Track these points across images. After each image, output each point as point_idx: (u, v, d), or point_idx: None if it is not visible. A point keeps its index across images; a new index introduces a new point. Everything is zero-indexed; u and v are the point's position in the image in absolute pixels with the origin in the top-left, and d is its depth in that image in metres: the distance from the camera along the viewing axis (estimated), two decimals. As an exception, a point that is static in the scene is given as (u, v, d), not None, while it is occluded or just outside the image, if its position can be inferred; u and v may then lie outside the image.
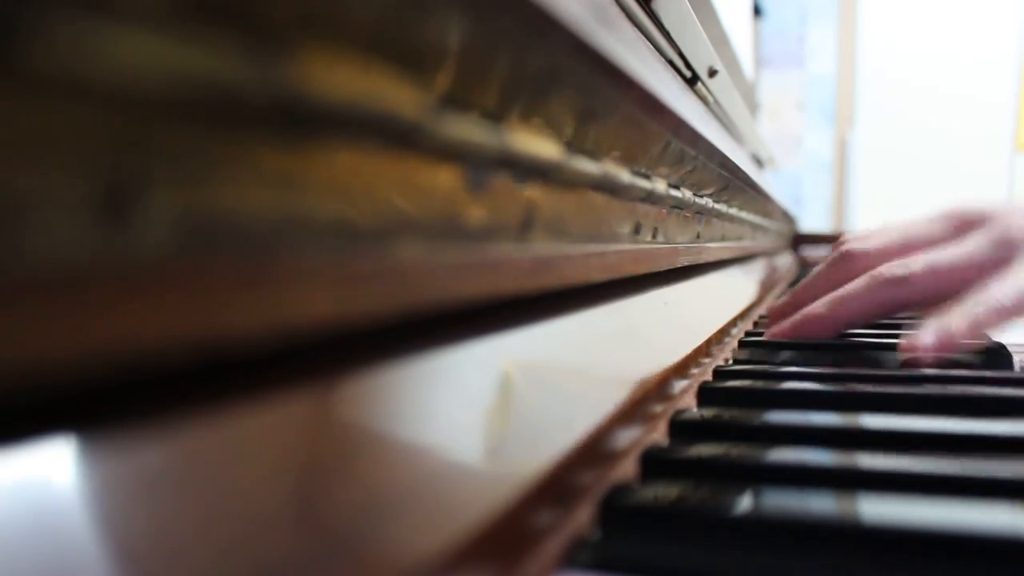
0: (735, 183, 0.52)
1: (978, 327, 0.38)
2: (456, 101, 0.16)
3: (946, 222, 0.46)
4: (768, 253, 0.94)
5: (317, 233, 0.12)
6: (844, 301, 0.44)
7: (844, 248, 0.48)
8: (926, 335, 0.38)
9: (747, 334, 0.49)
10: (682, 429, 0.26)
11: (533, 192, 0.21)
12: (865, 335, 0.46)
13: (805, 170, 2.44)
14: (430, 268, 0.16)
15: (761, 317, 0.56)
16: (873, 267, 0.45)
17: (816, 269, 0.49)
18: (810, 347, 0.42)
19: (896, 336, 0.43)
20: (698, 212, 0.44)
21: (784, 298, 0.50)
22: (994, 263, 0.41)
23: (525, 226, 0.20)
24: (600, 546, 0.18)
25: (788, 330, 0.45)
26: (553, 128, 0.21)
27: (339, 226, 0.13)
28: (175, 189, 0.10)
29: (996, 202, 0.45)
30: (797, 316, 0.46)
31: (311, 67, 0.11)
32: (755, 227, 0.74)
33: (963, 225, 0.45)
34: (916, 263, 0.43)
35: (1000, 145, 2.27)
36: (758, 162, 1.12)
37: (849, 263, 0.47)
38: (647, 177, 0.31)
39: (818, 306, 0.45)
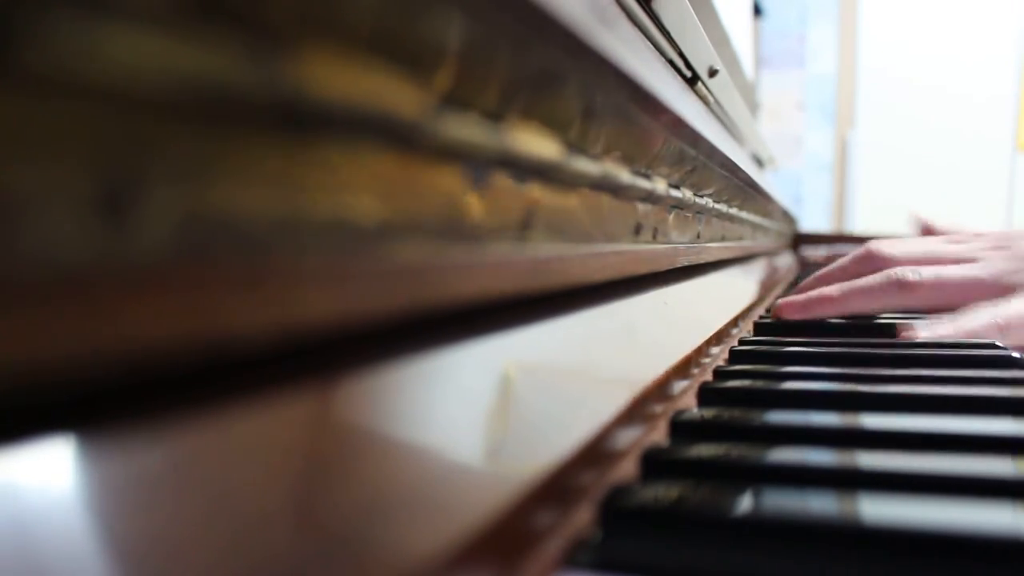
0: (735, 183, 0.52)
1: (967, 336, 0.43)
2: (456, 101, 0.16)
3: (975, 242, 0.52)
4: (768, 253, 0.94)
5: (317, 233, 0.12)
6: (856, 291, 0.49)
7: (870, 246, 0.53)
8: (920, 331, 0.43)
9: (740, 343, 0.48)
10: (682, 429, 0.26)
11: (533, 192, 0.21)
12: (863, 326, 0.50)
13: (805, 170, 2.43)
14: (430, 268, 0.16)
15: (762, 317, 0.56)
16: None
17: (840, 260, 0.55)
18: (811, 343, 0.43)
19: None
20: (698, 212, 0.44)
21: (807, 280, 0.56)
22: (1000, 287, 0.47)
23: (525, 226, 0.20)
24: (600, 547, 0.18)
25: (800, 304, 0.51)
26: (553, 128, 0.21)
27: (339, 226, 0.13)
28: (175, 189, 0.10)
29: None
30: (812, 293, 0.51)
31: (310, 66, 0.11)
32: (755, 227, 0.74)
33: (989, 247, 0.50)
34: (928, 272, 0.48)
35: (1000, 145, 2.27)
36: (758, 162, 1.12)
37: (871, 262, 0.52)
38: (647, 177, 0.31)
39: (832, 289, 0.50)
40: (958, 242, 0.52)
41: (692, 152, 0.36)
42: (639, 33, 0.34)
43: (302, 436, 0.13)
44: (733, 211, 0.57)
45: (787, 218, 1.18)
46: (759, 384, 0.32)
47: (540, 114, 0.19)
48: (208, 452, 0.11)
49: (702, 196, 0.43)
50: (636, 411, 0.24)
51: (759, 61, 2.26)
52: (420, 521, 0.13)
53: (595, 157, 0.24)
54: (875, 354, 0.38)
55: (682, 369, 0.31)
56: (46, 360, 0.09)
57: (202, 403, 0.11)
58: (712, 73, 0.55)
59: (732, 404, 0.31)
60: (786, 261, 1.12)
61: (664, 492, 0.19)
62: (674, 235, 0.38)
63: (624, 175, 0.27)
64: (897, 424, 0.25)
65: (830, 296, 0.50)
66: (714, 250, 0.51)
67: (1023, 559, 0.16)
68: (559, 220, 0.23)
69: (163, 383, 0.11)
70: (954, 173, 2.29)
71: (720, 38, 0.80)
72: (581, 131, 0.22)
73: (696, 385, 0.32)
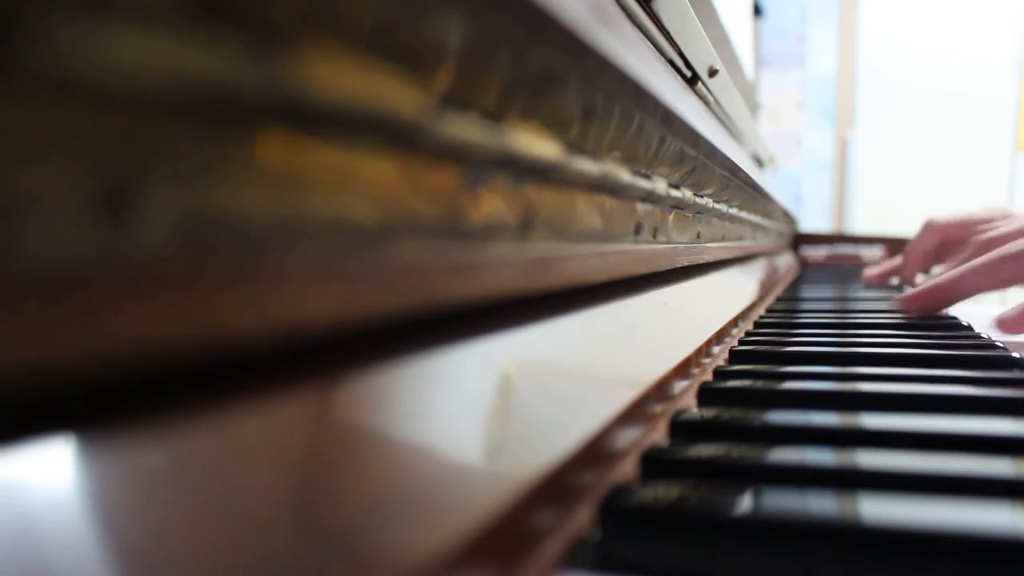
0: (735, 183, 0.52)
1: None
2: (456, 101, 0.16)
3: (997, 212, 0.59)
4: (769, 253, 0.94)
5: (317, 233, 0.12)
6: (974, 273, 0.51)
7: (927, 220, 0.62)
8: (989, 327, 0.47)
9: (740, 343, 0.48)
10: (682, 429, 0.26)
11: (533, 192, 0.21)
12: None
13: (805, 170, 2.44)
14: (430, 268, 0.16)
15: (762, 317, 0.56)
16: (953, 235, 0.60)
17: (911, 243, 0.64)
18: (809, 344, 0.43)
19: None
20: (698, 212, 0.44)
21: (888, 266, 0.65)
22: None
23: (525, 226, 0.20)
24: (600, 547, 0.18)
25: (923, 295, 0.53)
26: (553, 128, 0.21)
27: (339, 226, 0.13)
28: (175, 188, 0.10)
29: None
30: (929, 284, 0.53)
31: (311, 66, 0.11)
32: (755, 227, 0.74)
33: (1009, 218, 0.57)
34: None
35: (1000, 145, 2.27)
36: (758, 162, 1.12)
37: (931, 231, 0.60)
38: (647, 177, 0.31)
39: (954, 274, 0.52)
40: (988, 211, 0.60)
41: (692, 152, 0.36)
42: (639, 33, 0.34)
43: (302, 436, 0.13)
44: (733, 211, 0.57)
45: (787, 218, 1.18)
46: (759, 384, 0.32)
47: (540, 114, 0.19)
48: (208, 452, 0.11)
49: (702, 196, 0.43)
50: (636, 411, 0.24)
51: (759, 61, 2.26)
52: (420, 521, 0.13)
53: (595, 157, 0.24)
54: (875, 354, 0.38)
55: (682, 369, 0.31)
56: (46, 360, 0.09)
57: (202, 403, 0.11)
58: (712, 73, 0.55)
59: (732, 404, 0.31)
60: (786, 261, 1.12)
61: (664, 492, 0.19)
62: (674, 235, 0.38)
63: (624, 175, 0.27)
64: (897, 424, 0.25)
65: (951, 282, 0.52)
66: (714, 250, 0.51)
67: (1023, 559, 0.16)
68: (559, 220, 0.23)
69: (163, 383, 0.11)
70: (954, 173, 2.29)
71: (720, 38, 0.80)
72: (581, 131, 0.22)
73: (696, 385, 0.32)
